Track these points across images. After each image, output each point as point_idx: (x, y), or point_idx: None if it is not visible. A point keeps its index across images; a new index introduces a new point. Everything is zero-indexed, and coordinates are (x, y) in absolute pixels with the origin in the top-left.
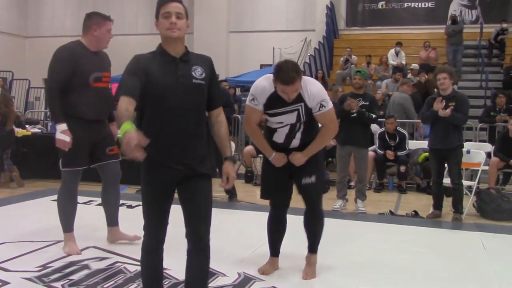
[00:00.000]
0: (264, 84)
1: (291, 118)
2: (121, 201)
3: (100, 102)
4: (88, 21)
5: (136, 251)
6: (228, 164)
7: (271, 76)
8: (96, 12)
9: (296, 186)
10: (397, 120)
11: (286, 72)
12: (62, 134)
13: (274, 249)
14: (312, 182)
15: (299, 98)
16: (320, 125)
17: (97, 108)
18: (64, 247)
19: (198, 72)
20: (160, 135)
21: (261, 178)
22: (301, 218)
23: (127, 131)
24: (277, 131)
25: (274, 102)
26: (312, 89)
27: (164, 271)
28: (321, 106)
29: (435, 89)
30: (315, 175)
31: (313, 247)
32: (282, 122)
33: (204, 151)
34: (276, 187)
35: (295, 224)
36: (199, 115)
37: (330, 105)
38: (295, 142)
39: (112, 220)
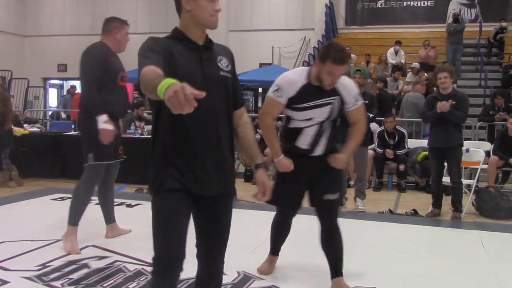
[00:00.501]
0: (295, 76)
1: (322, 114)
2: (121, 200)
3: (124, 100)
4: (108, 25)
5: (135, 250)
6: (261, 172)
7: (303, 71)
8: (114, 17)
9: (312, 199)
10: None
11: (339, 51)
12: (106, 124)
13: (275, 249)
14: (335, 199)
15: (334, 91)
16: (352, 121)
17: (122, 106)
18: (66, 242)
19: (224, 63)
20: (184, 141)
21: (276, 182)
22: (301, 217)
23: (173, 83)
24: (302, 133)
25: (306, 95)
26: (347, 82)
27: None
28: (356, 100)
29: (435, 88)
30: (340, 192)
31: (339, 270)
32: (311, 119)
33: (232, 162)
34: (290, 195)
35: (295, 222)
36: (229, 115)
37: (361, 99)
38: (319, 149)
39: (111, 218)
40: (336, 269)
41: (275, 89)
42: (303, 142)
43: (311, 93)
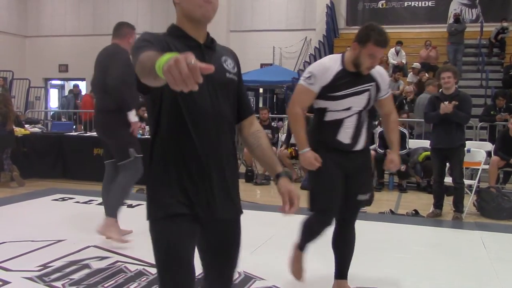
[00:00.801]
0: (329, 62)
1: (361, 102)
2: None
3: (138, 98)
4: (121, 30)
5: (136, 250)
6: (285, 181)
7: (337, 57)
8: (125, 22)
9: (345, 199)
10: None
11: (380, 33)
12: (136, 117)
13: (304, 247)
14: (366, 199)
15: (370, 77)
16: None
17: (137, 103)
18: (110, 233)
19: (230, 65)
20: (190, 155)
21: (316, 182)
22: (302, 217)
23: (175, 55)
24: (343, 125)
25: (342, 82)
26: (381, 69)
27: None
28: (388, 87)
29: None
30: (371, 192)
31: (346, 272)
32: (350, 108)
33: (237, 177)
34: (334, 196)
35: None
36: (233, 125)
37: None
38: (361, 142)
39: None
40: (343, 271)
41: (308, 76)
42: (345, 136)
43: (347, 79)
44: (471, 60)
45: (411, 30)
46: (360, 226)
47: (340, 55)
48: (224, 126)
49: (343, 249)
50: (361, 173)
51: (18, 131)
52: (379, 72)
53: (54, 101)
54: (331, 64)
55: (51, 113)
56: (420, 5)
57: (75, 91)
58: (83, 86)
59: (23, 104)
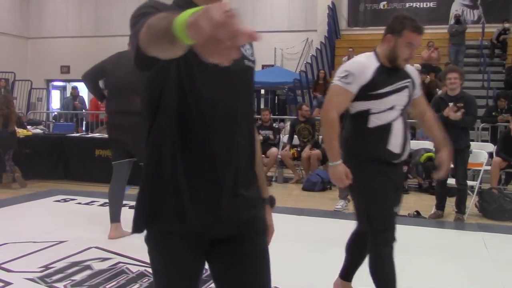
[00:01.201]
0: (365, 59)
1: (402, 99)
2: (123, 202)
3: None
4: None
5: (138, 252)
6: (268, 211)
7: (370, 54)
8: None
9: None
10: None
11: (413, 20)
12: None
13: (351, 274)
14: (397, 211)
15: (406, 74)
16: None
17: None
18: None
19: (248, 50)
20: (201, 154)
21: (372, 200)
22: (304, 218)
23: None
24: (392, 131)
25: (382, 79)
26: (410, 67)
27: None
28: (419, 85)
29: (437, 89)
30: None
31: (352, 276)
32: (393, 107)
33: (257, 181)
34: (393, 213)
35: (299, 225)
36: (251, 121)
37: None
38: (407, 151)
39: (117, 217)
40: (350, 274)
41: (344, 75)
42: (396, 144)
43: (387, 76)
44: (472, 61)
45: None
46: None
47: (372, 52)
48: (242, 124)
49: (357, 256)
50: (400, 185)
51: (20, 132)
52: (411, 70)
53: (56, 103)
54: (367, 61)
55: (53, 114)
56: (421, 6)
57: (74, 94)
58: (84, 88)
59: (25, 105)
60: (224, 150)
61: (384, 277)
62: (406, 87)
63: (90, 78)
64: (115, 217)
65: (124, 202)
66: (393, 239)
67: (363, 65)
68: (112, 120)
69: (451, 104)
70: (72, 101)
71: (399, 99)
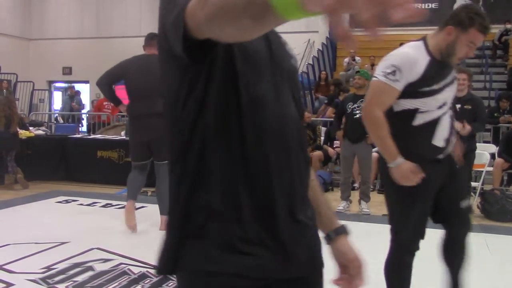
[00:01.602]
0: (414, 53)
1: (451, 94)
2: (125, 203)
3: None
4: (152, 41)
5: (140, 253)
6: (345, 242)
7: (419, 45)
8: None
9: (440, 211)
10: None
11: (485, 17)
12: None
13: None
14: (469, 204)
15: (450, 65)
16: None
17: None
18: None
19: (290, 49)
20: (261, 175)
21: (406, 206)
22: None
23: None
24: (440, 124)
25: (434, 74)
26: None
27: None
28: None
29: None
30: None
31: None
32: (445, 104)
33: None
34: (425, 220)
35: None
36: (304, 137)
37: None
38: (451, 144)
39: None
40: (456, 285)
41: (391, 71)
42: (441, 137)
43: (439, 70)
44: (474, 62)
45: (414, 32)
46: (364, 228)
47: (421, 42)
48: (294, 138)
49: (459, 264)
50: (455, 178)
51: (23, 133)
52: None
53: (58, 104)
54: (416, 54)
55: (55, 116)
56: (423, 7)
57: (71, 94)
58: (86, 89)
59: (27, 106)
60: (278, 173)
61: (399, 285)
62: (454, 79)
63: (106, 82)
64: (165, 211)
65: (124, 203)
66: (417, 248)
67: (413, 59)
68: (137, 122)
69: (458, 106)
70: (68, 101)
71: (449, 95)
